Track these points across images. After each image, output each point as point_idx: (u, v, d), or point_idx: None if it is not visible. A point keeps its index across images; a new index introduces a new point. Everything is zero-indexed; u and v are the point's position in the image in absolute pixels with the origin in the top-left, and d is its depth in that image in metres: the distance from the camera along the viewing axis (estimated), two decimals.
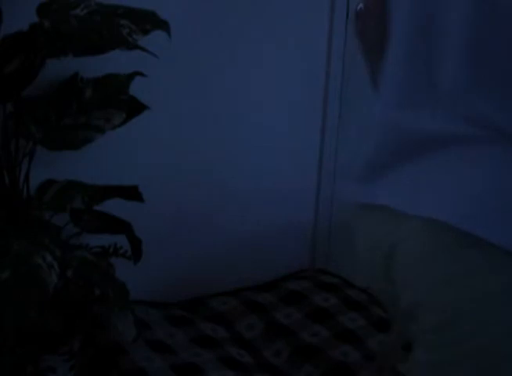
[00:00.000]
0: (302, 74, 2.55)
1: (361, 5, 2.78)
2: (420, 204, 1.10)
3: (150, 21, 1.71)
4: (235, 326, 2.29)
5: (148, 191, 2.12)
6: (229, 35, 2.34)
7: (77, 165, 2.10)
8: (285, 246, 2.69)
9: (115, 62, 1.90)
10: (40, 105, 1.84)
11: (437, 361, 1.10)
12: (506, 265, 1.03)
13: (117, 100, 1.85)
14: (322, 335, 2.24)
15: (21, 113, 1.80)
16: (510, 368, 1.07)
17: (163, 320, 2.25)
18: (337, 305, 2.39)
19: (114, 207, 2.07)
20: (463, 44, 1.07)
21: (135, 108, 1.98)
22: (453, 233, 1.04)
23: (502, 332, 1.05)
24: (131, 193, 2.10)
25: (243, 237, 2.57)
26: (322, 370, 2.09)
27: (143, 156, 2.27)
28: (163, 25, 1.72)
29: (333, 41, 2.55)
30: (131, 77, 1.91)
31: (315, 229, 2.75)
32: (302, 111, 2.59)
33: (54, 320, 1.77)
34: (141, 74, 1.93)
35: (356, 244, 1.34)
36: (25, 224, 1.77)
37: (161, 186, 2.31)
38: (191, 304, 2.39)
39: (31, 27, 1.69)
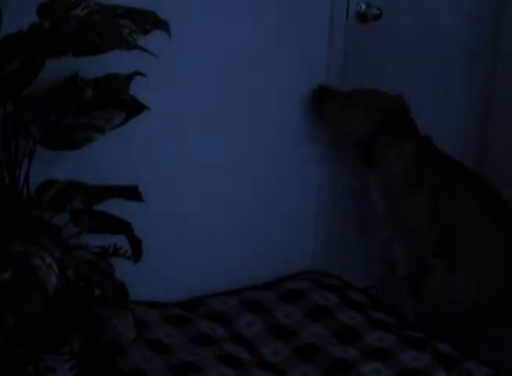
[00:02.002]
0: (302, 74, 2.55)
1: (361, 5, 2.80)
2: None
3: (150, 21, 1.71)
4: (234, 324, 2.30)
5: (148, 191, 2.12)
6: (230, 37, 2.35)
7: (77, 165, 2.10)
8: (285, 248, 2.69)
9: (115, 62, 1.90)
10: (40, 105, 1.84)
11: None
12: None
13: (117, 100, 1.85)
14: (322, 333, 2.25)
15: (21, 113, 1.80)
16: None
17: (162, 320, 2.25)
18: (337, 304, 2.39)
19: (114, 207, 2.07)
20: None
21: (135, 108, 1.98)
22: None
23: None
24: (131, 193, 2.09)
25: (243, 238, 2.57)
26: (322, 369, 2.09)
27: (143, 156, 2.27)
28: (163, 25, 1.72)
29: (333, 41, 2.55)
30: (131, 77, 1.91)
31: (315, 231, 2.75)
32: (303, 111, 2.59)
33: (54, 320, 1.77)
34: (141, 74, 1.93)
35: None
36: (25, 224, 1.77)
37: (161, 186, 2.31)
38: (190, 304, 2.39)
39: (31, 27, 1.69)
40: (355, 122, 2.49)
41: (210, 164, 2.43)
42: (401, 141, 2.48)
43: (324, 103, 2.51)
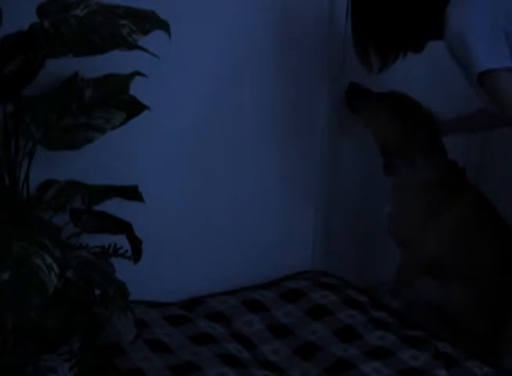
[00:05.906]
0: (302, 74, 2.55)
1: None
2: None
3: (150, 21, 1.71)
4: (233, 323, 2.30)
5: (148, 191, 2.12)
6: (229, 36, 2.35)
7: (77, 165, 2.10)
8: (285, 248, 2.69)
9: (115, 62, 1.90)
10: (40, 105, 1.84)
11: None
12: None
13: (117, 100, 1.85)
14: (322, 332, 2.25)
15: (21, 113, 1.80)
16: None
17: (162, 320, 2.25)
18: (337, 302, 2.39)
19: (114, 207, 2.07)
20: None
21: (135, 108, 1.98)
22: None
23: None
24: (131, 193, 2.10)
25: (243, 238, 2.57)
26: (322, 368, 2.09)
27: (143, 156, 2.27)
28: (163, 25, 1.72)
29: (333, 40, 2.55)
30: (131, 77, 1.92)
31: (315, 231, 2.75)
32: (304, 110, 2.59)
33: (54, 320, 1.77)
34: (141, 74, 1.93)
35: None
36: (25, 224, 1.77)
37: (161, 186, 2.31)
38: (190, 304, 2.39)
39: (31, 27, 1.69)
40: (380, 127, 2.51)
41: (210, 164, 2.43)
42: (416, 159, 2.46)
43: (360, 102, 2.55)
